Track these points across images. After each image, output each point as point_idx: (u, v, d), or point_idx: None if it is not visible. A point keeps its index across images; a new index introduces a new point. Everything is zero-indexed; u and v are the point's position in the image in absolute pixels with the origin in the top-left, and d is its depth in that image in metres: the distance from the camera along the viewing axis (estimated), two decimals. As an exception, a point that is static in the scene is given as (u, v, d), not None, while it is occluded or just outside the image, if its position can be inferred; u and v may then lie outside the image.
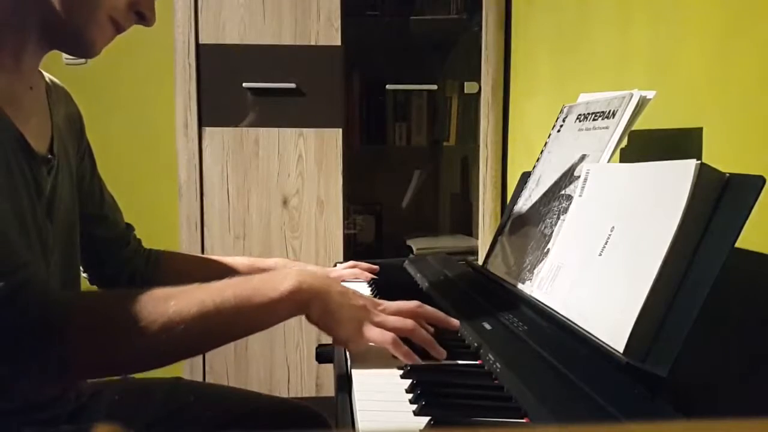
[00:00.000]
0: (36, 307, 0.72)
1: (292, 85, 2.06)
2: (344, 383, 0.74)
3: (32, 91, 0.91)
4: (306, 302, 0.77)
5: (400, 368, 0.76)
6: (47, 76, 0.98)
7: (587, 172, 0.90)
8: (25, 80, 0.89)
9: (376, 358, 0.80)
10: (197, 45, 2.04)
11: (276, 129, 2.09)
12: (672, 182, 0.70)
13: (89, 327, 0.74)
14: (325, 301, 0.77)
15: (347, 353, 0.83)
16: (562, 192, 0.98)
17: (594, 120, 1.01)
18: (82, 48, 0.88)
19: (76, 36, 0.86)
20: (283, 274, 0.78)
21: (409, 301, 0.84)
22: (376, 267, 1.33)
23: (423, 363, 0.77)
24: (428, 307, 0.84)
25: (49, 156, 0.91)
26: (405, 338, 0.80)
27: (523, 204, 1.12)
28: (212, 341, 0.79)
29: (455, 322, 0.85)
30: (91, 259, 1.04)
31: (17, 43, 0.85)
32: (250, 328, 0.79)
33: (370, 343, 0.79)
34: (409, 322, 0.79)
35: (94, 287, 1.13)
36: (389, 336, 0.77)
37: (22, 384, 0.81)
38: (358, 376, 0.74)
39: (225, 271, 1.20)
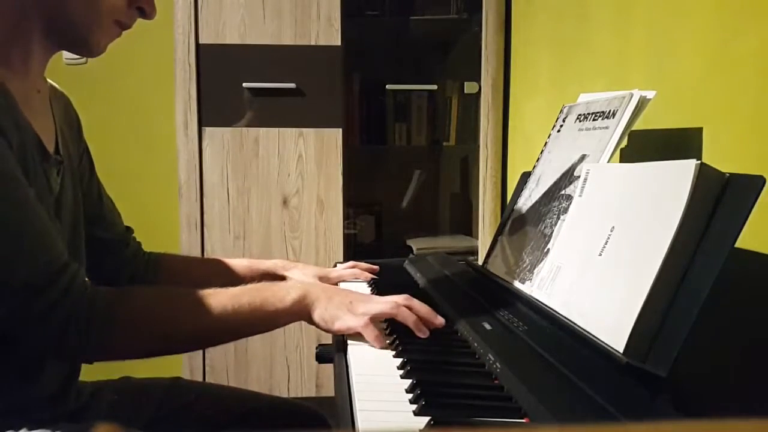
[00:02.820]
0: (82, 304, 0.80)
1: (292, 85, 2.06)
2: (344, 383, 0.74)
3: (39, 94, 0.94)
4: (306, 310, 0.88)
5: (400, 368, 0.76)
6: (48, 80, 0.99)
7: (587, 172, 0.90)
8: (33, 83, 0.92)
9: (376, 358, 0.80)
10: (197, 45, 2.04)
11: (276, 129, 2.09)
12: (672, 182, 0.70)
13: (130, 322, 0.84)
14: (321, 307, 0.88)
15: (347, 354, 0.83)
16: (562, 192, 0.98)
17: (594, 120, 1.01)
18: (88, 50, 0.91)
19: (82, 40, 0.89)
20: (289, 286, 0.90)
21: (399, 295, 0.90)
22: (376, 267, 1.33)
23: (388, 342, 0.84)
24: (416, 301, 0.90)
25: (57, 156, 0.93)
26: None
27: (523, 204, 1.12)
28: (226, 339, 0.96)
29: (441, 320, 0.89)
30: (90, 261, 1.05)
31: (25, 46, 0.87)
32: (259, 330, 0.92)
33: (352, 331, 0.86)
34: (390, 306, 0.87)
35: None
36: (363, 320, 0.85)
37: (61, 368, 0.91)
38: (358, 376, 0.74)
39: (224, 273, 1.20)
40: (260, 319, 0.88)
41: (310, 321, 0.88)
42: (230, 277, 1.21)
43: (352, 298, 0.89)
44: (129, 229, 1.17)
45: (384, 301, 0.89)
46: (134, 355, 0.90)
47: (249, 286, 0.90)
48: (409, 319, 0.86)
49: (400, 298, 0.89)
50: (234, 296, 0.88)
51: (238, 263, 1.23)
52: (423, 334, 0.86)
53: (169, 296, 0.89)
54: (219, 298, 0.87)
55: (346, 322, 0.86)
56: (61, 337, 0.79)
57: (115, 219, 1.14)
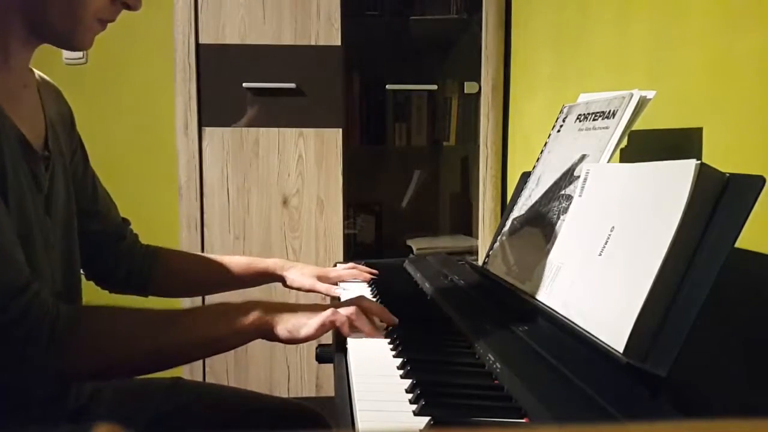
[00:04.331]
0: (42, 325, 0.78)
1: (292, 85, 2.06)
2: (344, 383, 0.74)
3: (26, 89, 0.92)
4: (268, 326, 0.88)
5: (400, 368, 0.76)
6: (37, 73, 0.98)
7: (587, 172, 0.90)
8: (18, 78, 0.89)
9: (376, 358, 0.80)
10: (197, 45, 2.04)
11: (276, 129, 2.09)
12: (672, 182, 0.70)
13: (91, 342, 0.82)
14: (284, 321, 0.88)
15: (347, 354, 0.83)
16: (562, 192, 0.98)
17: (594, 120, 1.01)
18: (72, 47, 0.89)
19: (65, 38, 0.88)
20: (250, 304, 0.89)
21: (352, 299, 0.94)
22: (374, 270, 1.33)
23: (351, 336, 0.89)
24: (370, 303, 0.94)
25: (46, 152, 0.92)
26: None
27: (523, 204, 1.12)
28: (188, 359, 0.97)
29: (394, 319, 0.93)
30: (86, 254, 1.04)
31: (4, 41, 0.85)
32: (220, 350, 0.92)
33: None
34: (350, 310, 0.90)
35: (91, 282, 1.13)
36: (327, 313, 0.88)
37: (22, 388, 0.86)
38: (358, 376, 0.74)
39: (222, 271, 1.20)
40: (221, 341, 0.88)
41: (273, 337, 0.88)
42: (228, 275, 1.21)
43: (311, 309, 0.91)
44: (125, 221, 1.16)
45: (344, 307, 0.91)
46: (96, 375, 0.90)
47: (214, 307, 0.92)
48: (365, 328, 0.89)
49: (353, 301, 0.93)
50: (195, 315, 0.91)
51: (237, 261, 1.23)
52: (379, 336, 0.89)
53: (130, 316, 0.88)
54: (180, 318, 0.89)
55: (311, 326, 0.87)
56: (21, 357, 0.77)
57: (111, 212, 1.12)
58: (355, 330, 0.90)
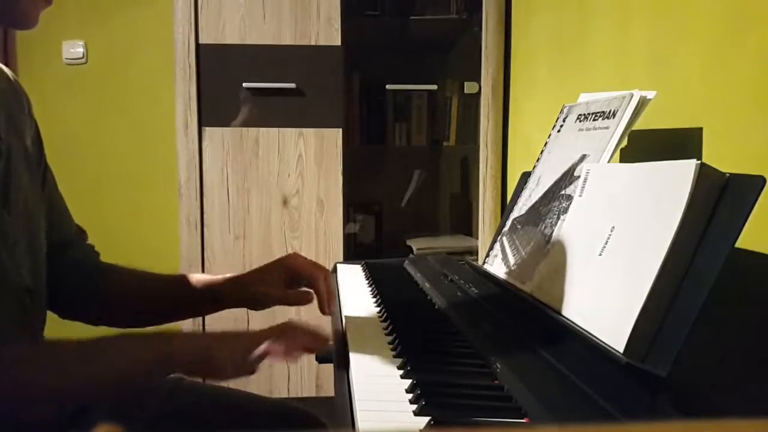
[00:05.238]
0: None
1: (292, 85, 2.06)
2: (344, 383, 0.74)
3: None
4: (188, 368, 0.86)
5: (400, 368, 0.76)
6: None
7: (587, 172, 0.90)
8: None
9: (376, 358, 0.80)
10: (197, 45, 2.04)
11: (276, 129, 2.09)
12: (672, 182, 0.70)
13: (16, 382, 0.77)
14: (206, 364, 0.85)
15: (347, 354, 0.83)
16: (562, 192, 0.98)
17: (594, 120, 1.01)
18: (16, 24, 0.85)
19: (7, 14, 0.83)
20: (166, 338, 0.85)
21: (275, 327, 0.85)
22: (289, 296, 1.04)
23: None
24: (296, 326, 0.85)
25: None
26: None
27: (523, 204, 1.12)
28: (112, 393, 0.88)
29: (326, 334, 0.86)
30: None
31: None
32: (129, 387, 0.87)
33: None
34: (273, 348, 0.83)
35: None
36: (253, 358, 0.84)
37: None
38: (358, 376, 0.74)
39: (179, 290, 1.09)
40: (132, 374, 0.82)
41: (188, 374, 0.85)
42: (186, 295, 1.08)
43: (239, 344, 0.86)
44: (82, 232, 1.06)
45: (266, 337, 0.84)
46: (34, 406, 0.80)
47: (122, 336, 0.86)
48: (294, 351, 0.83)
49: (277, 330, 0.84)
50: (102, 347, 0.82)
51: (197, 280, 1.08)
52: (322, 344, 0.84)
53: (53, 360, 0.80)
54: (88, 349, 0.81)
55: (243, 363, 0.85)
56: None
57: (63, 217, 1.02)
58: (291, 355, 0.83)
